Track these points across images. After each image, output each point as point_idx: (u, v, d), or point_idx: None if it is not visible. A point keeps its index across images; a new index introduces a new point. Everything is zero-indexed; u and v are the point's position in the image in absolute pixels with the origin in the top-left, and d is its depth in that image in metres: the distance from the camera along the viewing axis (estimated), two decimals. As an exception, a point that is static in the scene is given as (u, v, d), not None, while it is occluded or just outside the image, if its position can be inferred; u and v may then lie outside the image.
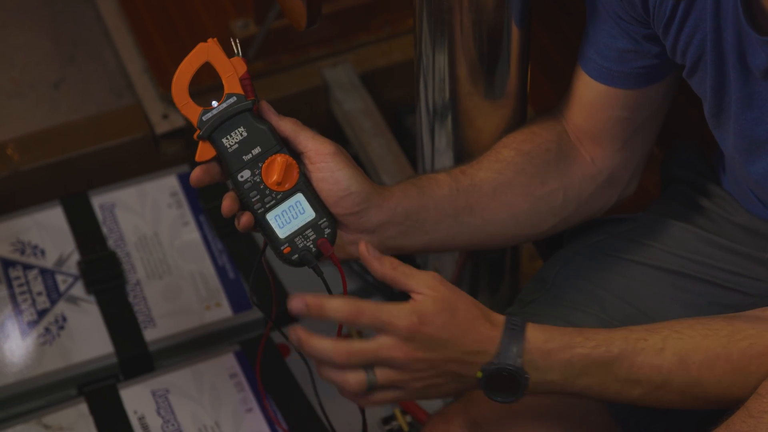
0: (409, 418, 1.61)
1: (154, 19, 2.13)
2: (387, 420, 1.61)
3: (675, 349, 1.15)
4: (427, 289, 1.13)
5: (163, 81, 2.03)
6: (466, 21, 1.31)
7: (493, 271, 1.62)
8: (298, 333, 1.13)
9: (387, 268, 1.14)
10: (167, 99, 2.01)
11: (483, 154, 1.33)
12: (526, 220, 1.33)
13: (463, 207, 1.29)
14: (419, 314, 1.11)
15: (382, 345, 1.12)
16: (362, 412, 1.27)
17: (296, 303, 1.13)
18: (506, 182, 1.31)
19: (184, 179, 1.89)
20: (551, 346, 1.14)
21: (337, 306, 1.12)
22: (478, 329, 1.13)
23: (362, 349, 1.12)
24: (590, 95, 1.31)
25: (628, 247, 1.39)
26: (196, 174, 1.19)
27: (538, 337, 1.14)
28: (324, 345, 1.12)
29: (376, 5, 2.08)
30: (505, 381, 1.14)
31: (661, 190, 1.50)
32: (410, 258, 1.81)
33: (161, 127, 1.99)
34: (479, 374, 1.14)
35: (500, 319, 1.14)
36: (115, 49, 2.16)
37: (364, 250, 1.14)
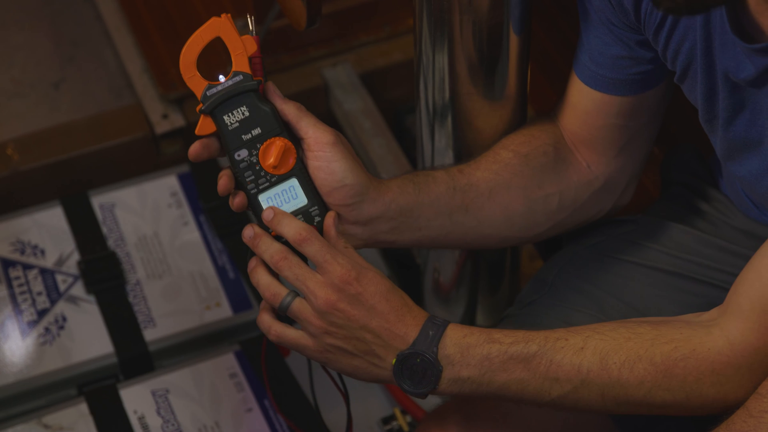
0: (409, 418, 1.61)
1: (154, 19, 2.13)
2: (387, 420, 1.61)
3: (596, 349, 1.15)
4: (375, 270, 1.16)
5: (163, 81, 2.03)
6: (466, 21, 1.31)
7: (493, 272, 1.62)
8: (253, 227, 1.17)
9: (340, 245, 1.17)
10: (167, 99, 2.01)
11: (481, 155, 1.33)
12: (521, 222, 1.33)
13: (459, 206, 1.29)
14: (359, 272, 1.14)
15: (312, 277, 1.14)
16: (347, 405, 1.27)
17: (267, 210, 1.17)
18: (503, 183, 1.31)
19: (184, 179, 1.89)
20: (469, 340, 1.15)
21: (296, 224, 1.16)
22: (405, 316, 1.15)
23: (297, 263, 1.15)
24: (585, 102, 1.30)
25: (627, 249, 1.39)
26: (194, 148, 1.19)
27: (457, 332, 1.16)
28: (273, 243, 1.16)
29: (376, 5, 2.08)
30: (417, 369, 1.15)
31: (660, 193, 1.50)
32: (411, 258, 1.82)
33: (161, 127, 1.99)
34: (393, 360, 1.15)
35: (424, 314, 1.17)
36: (115, 49, 2.16)
37: (330, 219, 1.18)
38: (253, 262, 1.18)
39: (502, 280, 1.63)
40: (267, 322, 1.19)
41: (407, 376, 1.15)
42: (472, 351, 1.15)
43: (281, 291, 1.16)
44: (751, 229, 1.37)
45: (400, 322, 1.15)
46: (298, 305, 1.16)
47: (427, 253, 1.63)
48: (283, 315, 1.18)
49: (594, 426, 1.31)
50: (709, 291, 1.35)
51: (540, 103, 1.80)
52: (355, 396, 1.29)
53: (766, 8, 1.10)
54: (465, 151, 1.42)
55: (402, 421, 1.61)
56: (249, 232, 1.18)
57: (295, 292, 1.16)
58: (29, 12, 2.32)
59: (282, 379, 1.63)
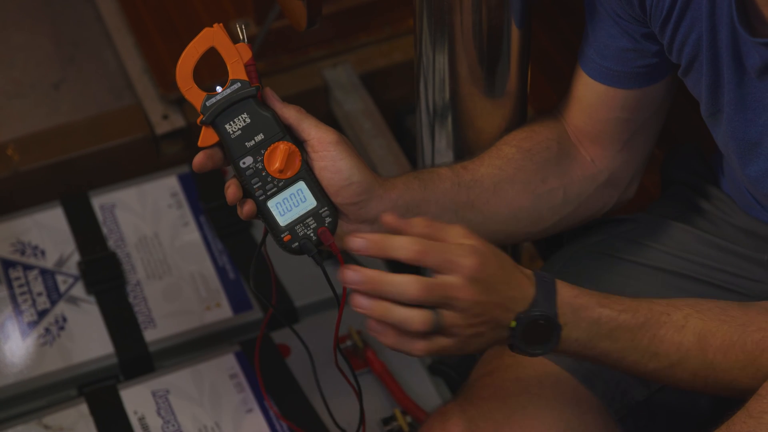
0: (409, 419, 1.61)
1: (154, 19, 2.13)
2: (387, 420, 1.61)
3: (696, 329, 1.16)
4: (467, 237, 1.12)
5: (163, 81, 2.03)
6: (466, 21, 1.31)
7: (493, 272, 1.61)
8: (357, 272, 1.10)
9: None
10: (167, 99, 2.01)
11: (484, 152, 1.33)
12: (527, 217, 1.33)
13: (464, 202, 1.29)
14: (479, 254, 1.10)
15: (452, 283, 1.10)
16: (361, 407, 1.27)
17: (356, 241, 1.10)
18: (507, 178, 1.31)
19: (184, 180, 1.89)
20: (580, 301, 1.14)
21: (403, 243, 1.10)
22: (517, 276, 1.13)
23: (439, 283, 1.10)
24: (590, 96, 1.31)
25: (628, 248, 1.39)
26: (198, 159, 1.18)
27: (567, 291, 1.14)
28: (398, 278, 1.10)
29: (376, 6, 2.08)
30: (539, 330, 1.13)
31: (660, 192, 1.50)
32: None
33: (161, 128, 1.99)
34: (513, 323, 1.12)
35: (530, 270, 1.14)
36: (115, 50, 2.16)
37: (391, 219, 1.12)
38: (365, 301, 1.10)
39: (502, 280, 1.62)
40: (420, 346, 1.12)
41: (530, 339, 1.13)
42: (582, 313, 1.14)
43: (426, 314, 1.10)
44: (752, 227, 1.37)
45: (517, 286, 1.12)
46: (448, 318, 1.11)
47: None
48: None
49: (596, 426, 1.31)
50: (709, 291, 1.35)
51: (540, 103, 1.80)
52: (355, 396, 1.29)
53: None
54: (465, 152, 1.42)
55: (402, 421, 1.60)
56: (354, 277, 1.10)
57: (430, 308, 1.11)
58: (29, 13, 2.32)
59: (282, 380, 1.63)
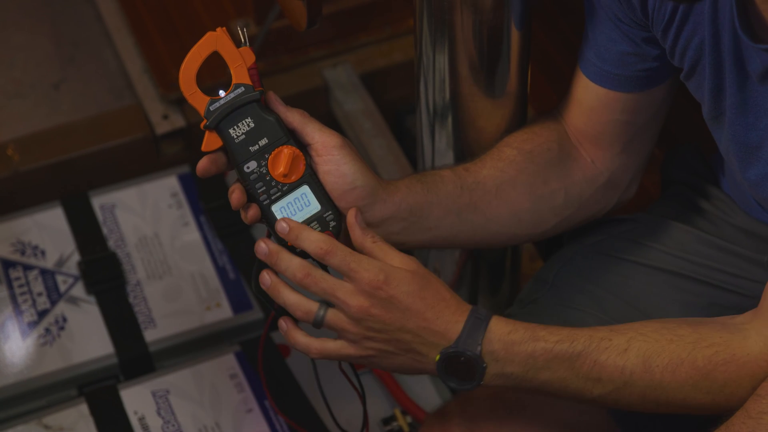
0: (409, 419, 1.61)
1: (154, 19, 2.13)
2: (387, 420, 1.61)
3: (639, 350, 1.15)
4: (405, 263, 1.15)
5: (163, 81, 2.03)
6: (466, 21, 1.31)
7: (493, 272, 1.62)
8: (267, 243, 1.16)
9: (368, 241, 1.16)
10: (167, 99, 2.01)
11: (485, 153, 1.33)
12: (528, 219, 1.33)
13: (467, 204, 1.29)
14: (387, 274, 1.13)
15: (341, 287, 1.14)
16: (364, 409, 1.27)
17: (281, 223, 1.16)
18: (509, 180, 1.31)
19: (184, 180, 1.89)
20: (514, 337, 1.15)
21: (314, 237, 1.15)
22: (443, 311, 1.15)
23: (322, 277, 1.14)
24: (590, 98, 1.31)
25: (627, 248, 1.39)
26: (202, 164, 1.18)
27: (501, 328, 1.15)
28: (292, 259, 1.15)
29: (376, 6, 2.08)
30: (462, 367, 1.15)
31: (660, 192, 1.50)
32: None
33: (161, 128, 1.99)
34: (437, 357, 1.15)
35: (467, 307, 1.16)
36: (115, 50, 2.16)
37: (352, 216, 1.17)
38: (267, 279, 1.17)
39: (502, 280, 1.63)
40: (303, 341, 1.17)
41: (452, 373, 1.15)
42: (516, 348, 1.15)
43: (312, 307, 1.15)
44: (752, 228, 1.37)
45: (438, 319, 1.14)
46: (333, 316, 1.15)
47: (428, 254, 1.62)
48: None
49: (596, 425, 1.31)
50: (709, 291, 1.35)
51: (540, 103, 1.80)
52: (356, 396, 1.29)
53: None
54: (466, 152, 1.42)
55: (402, 421, 1.60)
56: (263, 248, 1.16)
57: (326, 303, 1.15)
58: (29, 13, 2.32)
59: (283, 381, 1.63)
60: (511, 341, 1.15)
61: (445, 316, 1.15)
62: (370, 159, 1.94)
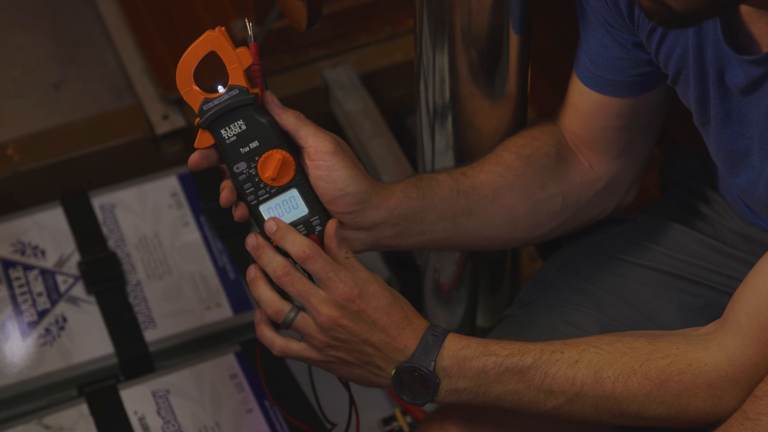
0: (409, 419, 1.61)
1: (154, 19, 2.13)
2: (387, 420, 1.61)
3: (590, 362, 1.16)
4: (372, 281, 1.18)
5: (163, 81, 2.03)
6: (466, 21, 1.31)
7: (493, 272, 1.62)
8: (257, 237, 1.18)
9: (341, 256, 1.18)
10: (167, 99, 2.01)
11: (483, 157, 1.33)
12: (524, 223, 1.33)
13: (462, 209, 1.29)
14: (361, 288, 1.16)
15: (316, 294, 1.16)
16: (353, 404, 1.27)
17: (269, 222, 1.18)
18: (506, 185, 1.31)
19: (184, 180, 1.89)
20: (466, 353, 1.17)
21: (298, 240, 1.17)
22: (405, 329, 1.17)
23: (300, 279, 1.17)
24: (585, 104, 1.30)
25: (626, 248, 1.39)
26: (194, 158, 1.20)
27: (454, 344, 1.17)
28: (276, 256, 1.17)
29: (377, 6, 2.08)
30: (416, 382, 1.17)
31: (660, 192, 1.50)
32: (412, 259, 1.82)
33: (161, 128, 1.99)
34: (393, 371, 1.17)
35: (424, 324, 1.18)
36: (115, 50, 2.16)
37: (332, 228, 1.19)
38: (252, 272, 1.19)
39: (502, 280, 1.63)
40: (269, 336, 1.20)
41: (406, 388, 1.18)
42: (468, 363, 1.17)
43: (284, 307, 1.18)
44: (747, 232, 1.37)
45: (400, 336, 1.17)
46: (302, 321, 1.17)
47: (428, 254, 1.62)
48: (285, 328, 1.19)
49: (595, 427, 1.31)
50: (706, 292, 1.36)
51: (540, 103, 1.80)
52: (356, 396, 1.29)
53: (758, 18, 1.10)
54: (465, 152, 1.42)
55: (402, 421, 1.61)
56: (252, 241, 1.19)
57: (298, 307, 1.18)
58: (29, 13, 2.32)
59: (281, 379, 1.63)
60: (463, 357, 1.17)
61: (406, 333, 1.17)
62: (370, 159, 1.94)
